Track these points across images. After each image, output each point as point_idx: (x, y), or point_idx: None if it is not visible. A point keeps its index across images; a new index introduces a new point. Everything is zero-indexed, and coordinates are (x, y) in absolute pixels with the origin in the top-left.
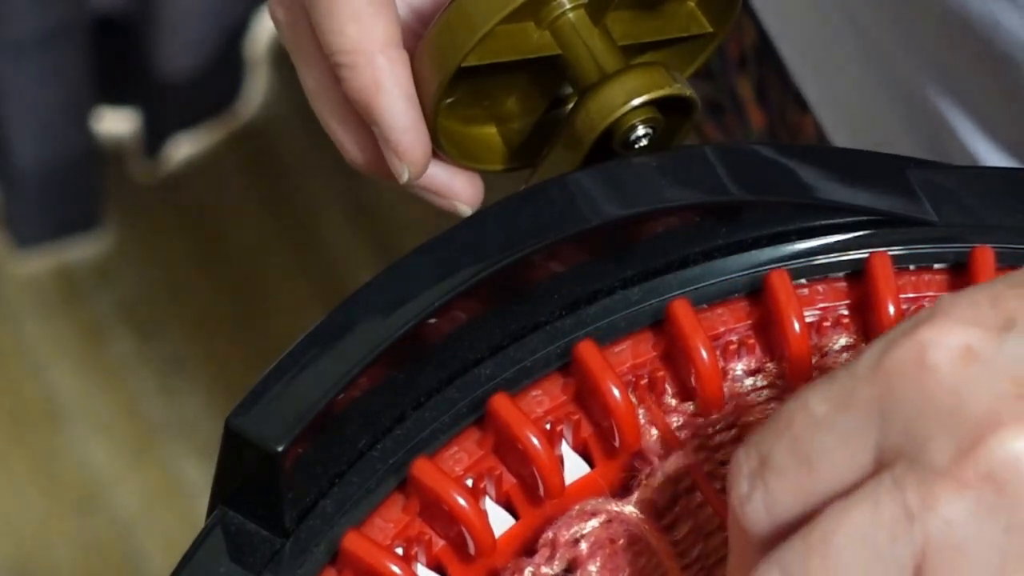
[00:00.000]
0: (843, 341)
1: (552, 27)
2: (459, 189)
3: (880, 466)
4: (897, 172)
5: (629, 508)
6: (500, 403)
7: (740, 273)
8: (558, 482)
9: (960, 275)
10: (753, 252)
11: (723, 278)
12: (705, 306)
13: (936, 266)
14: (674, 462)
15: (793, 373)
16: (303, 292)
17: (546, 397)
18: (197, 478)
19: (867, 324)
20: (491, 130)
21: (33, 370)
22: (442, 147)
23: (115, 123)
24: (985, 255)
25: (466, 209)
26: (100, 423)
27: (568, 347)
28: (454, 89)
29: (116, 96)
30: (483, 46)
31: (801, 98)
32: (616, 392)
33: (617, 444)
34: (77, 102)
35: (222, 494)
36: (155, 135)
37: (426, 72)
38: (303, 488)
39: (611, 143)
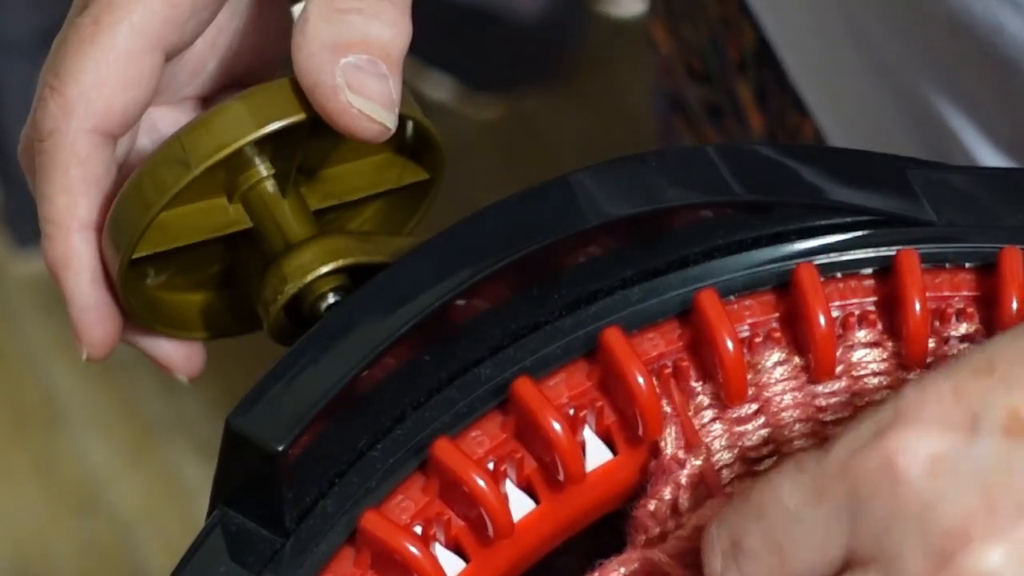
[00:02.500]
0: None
1: (244, 200)
2: (175, 360)
3: (852, 563)
4: (897, 172)
5: (660, 556)
6: (523, 388)
7: (740, 273)
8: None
9: (988, 275)
10: (753, 252)
11: (723, 278)
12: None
13: (951, 265)
14: (707, 510)
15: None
16: None
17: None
18: (197, 478)
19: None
20: (197, 297)
21: (33, 370)
22: (143, 321)
23: None
24: (1013, 256)
25: (183, 378)
26: (100, 423)
27: (568, 347)
28: (145, 266)
29: None
30: (156, 235)
31: (800, 101)
32: (641, 380)
33: (640, 433)
34: None
35: (222, 494)
36: None
37: (109, 254)
38: (303, 488)
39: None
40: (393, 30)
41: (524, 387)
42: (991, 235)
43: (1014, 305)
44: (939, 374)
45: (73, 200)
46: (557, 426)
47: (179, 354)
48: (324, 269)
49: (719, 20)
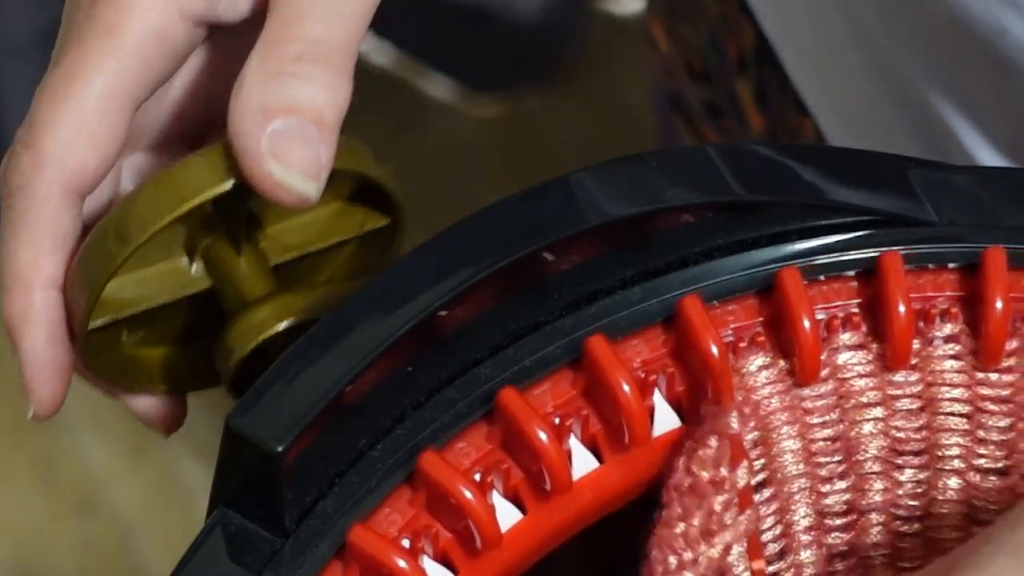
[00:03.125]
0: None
1: (203, 259)
2: (153, 416)
3: None
4: (897, 172)
5: None
6: (509, 398)
7: (740, 273)
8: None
9: (970, 276)
10: (753, 252)
11: (723, 278)
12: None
13: (934, 266)
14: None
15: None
16: None
17: (549, 396)
18: (197, 478)
19: (876, 323)
20: (176, 351)
21: None
22: (117, 381)
23: None
24: (997, 256)
25: (162, 434)
26: (100, 423)
27: (568, 347)
28: (118, 327)
29: None
30: (115, 302)
31: (800, 101)
32: (626, 387)
33: (626, 440)
34: None
35: (222, 494)
36: None
37: (70, 310)
38: (303, 488)
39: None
40: (328, 92)
41: (509, 397)
42: (992, 235)
43: (998, 305)
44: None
45: (38, 256)
46: (543, 436)
47: (158, 410)
48: (279, 328)
49: (719, 19)
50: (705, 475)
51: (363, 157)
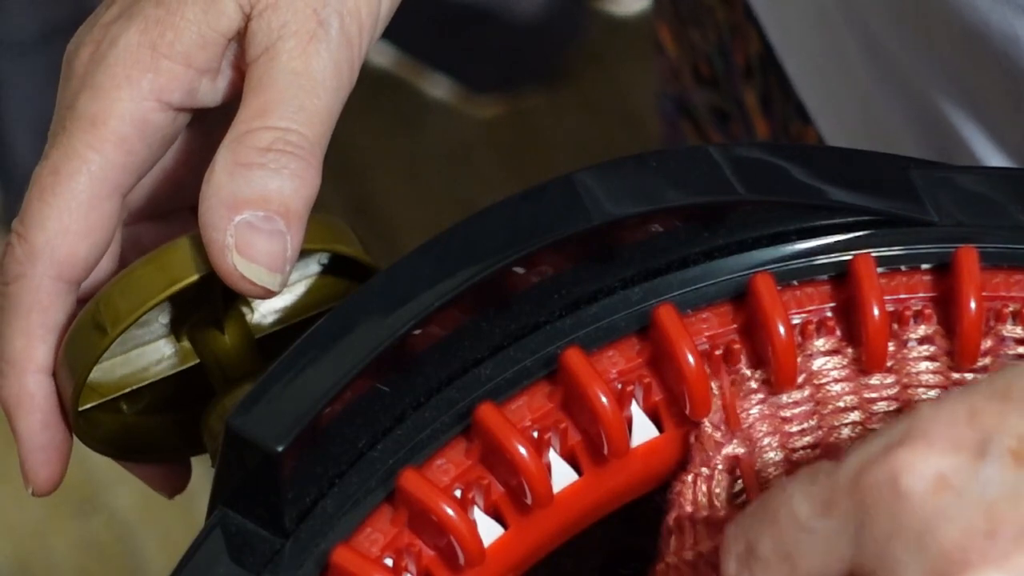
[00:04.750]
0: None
1: (189, 337)
2: (155, 482)
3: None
4: (898, 172)
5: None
6: (486, 413)
7: (741, 273)
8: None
9: (943, 276)
10: (754, 252)
11: (724, 278)
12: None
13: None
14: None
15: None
16: None
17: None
18: (197, 478)
19: (851, 327)
20: (162, 420)
21: None
22: (118, 455)
23: None
24: (970, 256)
25: (167, 497)
26: None
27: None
28: (117, 402)
29: None
30: (107, 384)
31: (803, 109)
32: (604, 399)
33: (605, 452)
34: None
35: (222, 494)
36: None
37: (61, 394)
38: (303, 488)
39: None
40: (296, 183)
41: (487, 413)
42: (994, 235)
43: (972, 305)
44: (955, 395)
45: (31, 344)
46: (522, 451)
47: (161, 475)
48: None
49: (726, 25)
50: (723, 513)
51: (334, 234)
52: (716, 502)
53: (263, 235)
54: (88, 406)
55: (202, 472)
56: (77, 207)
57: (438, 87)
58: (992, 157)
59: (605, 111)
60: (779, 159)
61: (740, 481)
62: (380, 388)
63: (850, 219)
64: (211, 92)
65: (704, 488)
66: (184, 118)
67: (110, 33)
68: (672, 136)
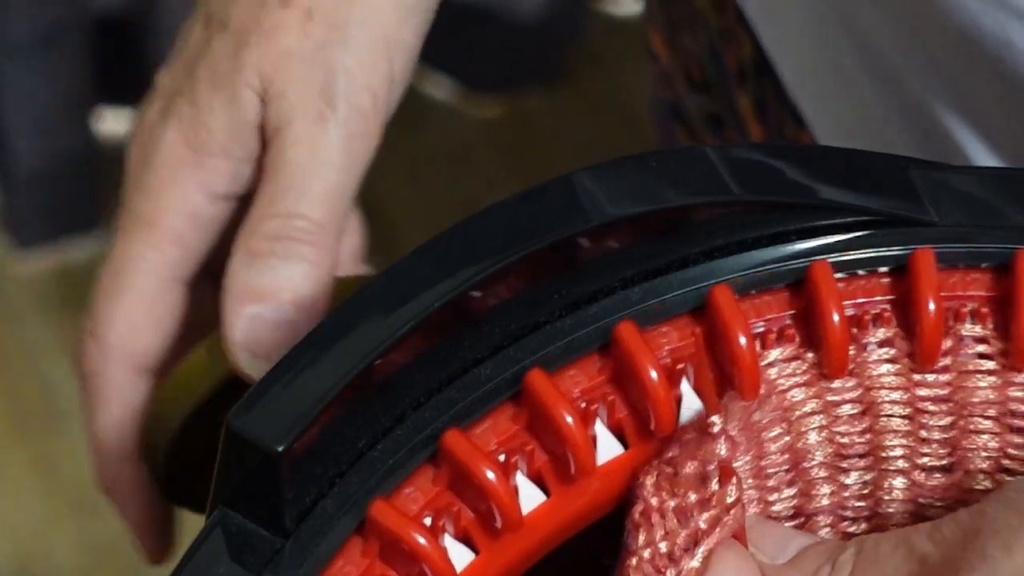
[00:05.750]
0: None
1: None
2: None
3: None
4: (898, 172)
5: None
6: (453, 439)
7: (740, 273)
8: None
9: (900, 278)
10: (754, 252)
11: (724, 278)
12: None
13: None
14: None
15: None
16: None
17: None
18: None
19: (810, 332)
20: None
21: (33, 370)
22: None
23: (115, 123)
24: (926, 257)
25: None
26: None
27: (568, 347)
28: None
29: (116, 96)
30: (187, 436)
31: (798, 114)
32: (570, 419)
33: (572, 471)
34: (77, 102)
35: (222, 494)
36: None
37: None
38: (303, 488)
39: None
40: (304, 268)
41: (453, 439)
42: (994, 235)
43: (931, 307)
44: None
45: (119, 435)
46: (491, 474)
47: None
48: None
49: (718, 30)
50: (693, 497)
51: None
52: (684, 488)
53: (270, 329)
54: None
55: None
56: (142, 302)
57: (438, 87)
58: (986, 161)
59: (605, 111)
60: (778, 159)
61: (711, 466)
62: (380, 387)
63: (849, 219)
64: (254, 179)
65: (668, 476)
66: (231, 204)
67: (153, 135)
68: (665, 141)
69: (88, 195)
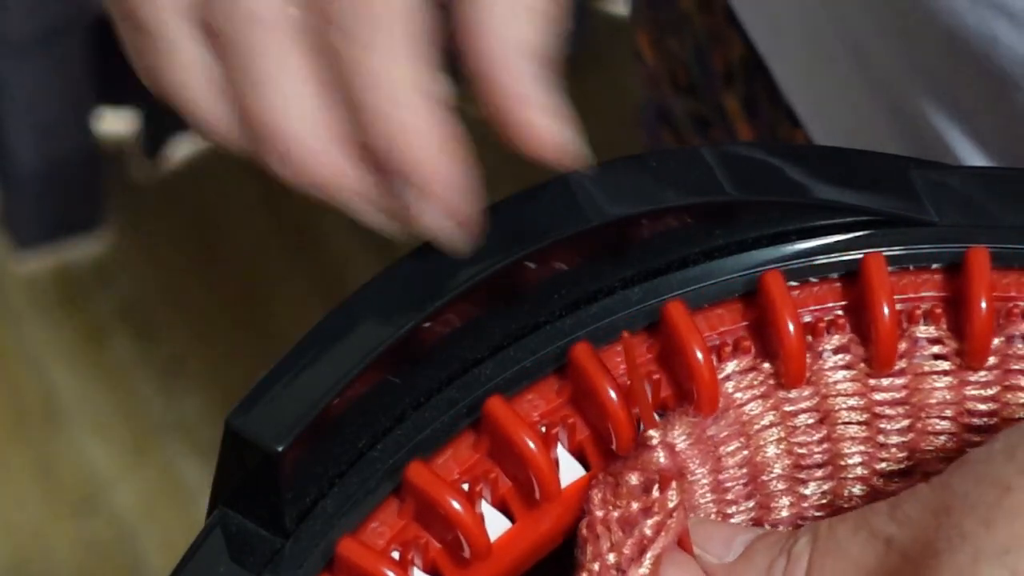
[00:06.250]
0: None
1: None
2: None
3: None
4: (897, 172)
5: None
6: (416, 472)
7: (740, 273)
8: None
9: (852, 284)
10: (753, 252)
11: (723, 278)
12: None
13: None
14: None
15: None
16: (303, 292)
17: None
18: (197, 478)
19: (766, 343)
20: None
21: (33, 370)
22: None
23: (115, 123)
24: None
25: None
26: (100, 423)
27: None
28: None
29: (116, 96)
30: None
31: (792, 113)
32: (531, 444)
33: (537, 496)
34: (77, 102)
35: (222, 494)
36: (155, 135)
37: None
38: (303, 488)
39: None
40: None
41: (416, 471)
42: (994, 235)
43: (885, 311)
44: None
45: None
46: (456, 505)
47: None
48: None
49: (705, 32)
50: (635, 505)
51: None
52: (626, 499)
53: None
54: None
55: (202, 472)
56: None
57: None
58: (973, 158)
59: (605, 111)
60: (778, 159)
61: (651, 475)
62: (380, 387)
63: (849, 219)
64: None
65: (612, 487)
66: None
67: None
68: (653, 144)
69: (88, 195)
